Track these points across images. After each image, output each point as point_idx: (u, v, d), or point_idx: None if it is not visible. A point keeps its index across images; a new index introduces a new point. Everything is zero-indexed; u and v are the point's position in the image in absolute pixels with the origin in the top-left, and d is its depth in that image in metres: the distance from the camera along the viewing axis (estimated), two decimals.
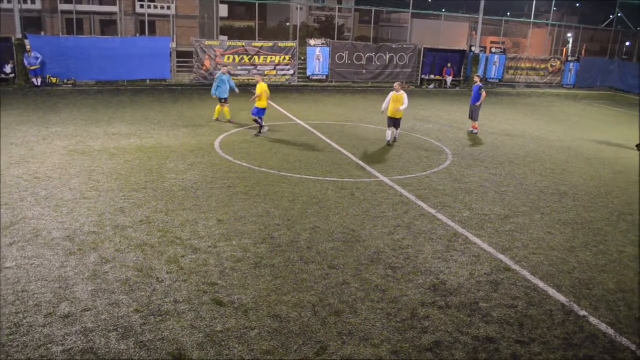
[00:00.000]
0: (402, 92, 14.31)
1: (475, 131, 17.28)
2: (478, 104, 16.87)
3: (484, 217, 9.60)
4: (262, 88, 14.84)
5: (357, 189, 10.73)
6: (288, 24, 51.97)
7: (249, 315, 5.91)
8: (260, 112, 14.95)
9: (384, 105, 14.43)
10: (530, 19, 35.45)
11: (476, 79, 17.60)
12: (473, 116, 17.20)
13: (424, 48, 30.06)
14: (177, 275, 6.73)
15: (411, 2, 31.06)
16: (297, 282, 6.74)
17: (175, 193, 9.87)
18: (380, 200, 10.13)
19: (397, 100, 14.22)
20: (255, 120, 15.07)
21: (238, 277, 6.76)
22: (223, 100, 16.70)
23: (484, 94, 16.88)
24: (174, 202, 9.36)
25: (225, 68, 17.93)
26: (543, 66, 33.41)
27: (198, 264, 7.08)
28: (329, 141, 14.84)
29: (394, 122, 14.58)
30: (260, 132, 15.07)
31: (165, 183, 10.43)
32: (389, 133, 14.71)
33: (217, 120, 16.89)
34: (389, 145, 14.64)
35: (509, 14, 48.65)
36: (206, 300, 6.17)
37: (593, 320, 6.37)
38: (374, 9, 32.87)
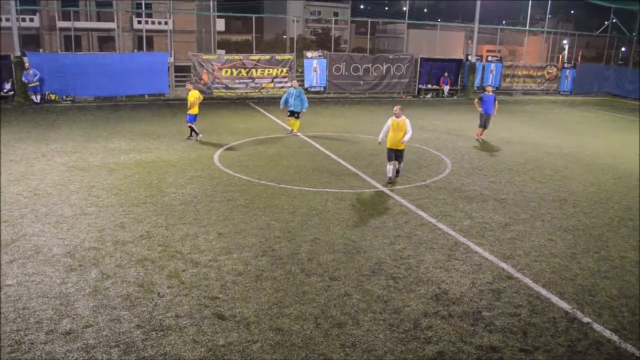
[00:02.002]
0: (404, 117, 11.77)
1: (481, 138, 17.65)
2: (495, 112, 17.44)
3: (484, 225, 9.59)
4: (193, 96, 15.54)
5: (357, 199, 10.73)
6: (285, 36, 52.25)
7: (250, 329, 5.88)
8: (192, 118, 15.75)
9: (381, 135, 12.03)
10: (526, 26, 35.67)
11: (489, 88, 17.83)
12: (485, 124, 17.54)
13: (421, 58, 30.20)
14: (178, 290, 6.71)
15: (407, 12, 31.29)
16: (299, 294, 6.72)
17: (174, 207, 9.86)
18: (381, 210, 10.13)
19: (398, 128, 11.68)
20: (190, 127, 15.91)
21: (239, 291, 6.74)
22: (294, 115, 17.02)
23: (496, 103, 17.43)
24: (174, 216, 9.36)
25: (294, 82, 18.01)
26: (539, 73, 33.55)
27: (199, 277, 7.06)
28: (327, 152, 14.87)
29: (395, 154, 11.93)
30: (192, 137, 16.07)
31: (165, 197, 10.43)
32: (390, 168, 11.97)
33: (295, 134, 17.21)
34: (390, 182, 12.03)
35: (504, 22, 48.98)
36: (207, 314, 6.15)
37: (597, 326, 6.35)
38: (370, 20, 33.10)
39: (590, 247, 8.85)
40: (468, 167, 13.87)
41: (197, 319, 6.03)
